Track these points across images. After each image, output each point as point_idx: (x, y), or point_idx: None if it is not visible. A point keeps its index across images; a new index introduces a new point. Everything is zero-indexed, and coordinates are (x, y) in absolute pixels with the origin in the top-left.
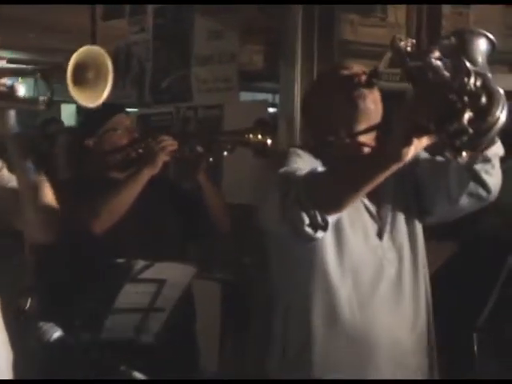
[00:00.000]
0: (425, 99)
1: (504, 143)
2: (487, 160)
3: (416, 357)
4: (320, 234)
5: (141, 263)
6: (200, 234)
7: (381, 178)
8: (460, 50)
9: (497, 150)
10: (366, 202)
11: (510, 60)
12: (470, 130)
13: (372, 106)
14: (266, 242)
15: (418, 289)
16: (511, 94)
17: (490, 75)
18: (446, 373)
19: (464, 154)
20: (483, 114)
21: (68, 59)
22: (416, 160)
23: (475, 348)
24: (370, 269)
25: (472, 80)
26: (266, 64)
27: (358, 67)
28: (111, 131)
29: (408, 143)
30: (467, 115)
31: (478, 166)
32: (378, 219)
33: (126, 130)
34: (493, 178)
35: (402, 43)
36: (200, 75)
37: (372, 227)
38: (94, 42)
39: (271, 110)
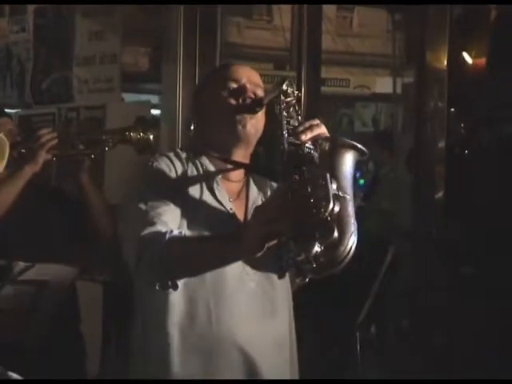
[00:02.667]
0: (286, 211)
1: (383, 148)
2: None
3: (275, 368)
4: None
5: (21, 265)
6: (83, 235)
7: (230, 262)
8: (328, 161)
9: None
10: (234, 214)
11: (391, 63)
12: (314, 265)
13: (252, 130)
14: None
15: (283, 300)
16: (391, 97)
17: (349, 196)
18: (327, 374)
19: (307, 279)
20: (332, 248)
21: None
22: None
23: (358, 346)
24: (230, 281)
25: (330, 207)
26: (151, 66)
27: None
28: None
29: (263, 244)
30: (316, 249)
31: None
32: None
33: (8, 133)
34: None
35: (289, 90)
36: (81, 76)
37: None
38: None
39: (154, 111)
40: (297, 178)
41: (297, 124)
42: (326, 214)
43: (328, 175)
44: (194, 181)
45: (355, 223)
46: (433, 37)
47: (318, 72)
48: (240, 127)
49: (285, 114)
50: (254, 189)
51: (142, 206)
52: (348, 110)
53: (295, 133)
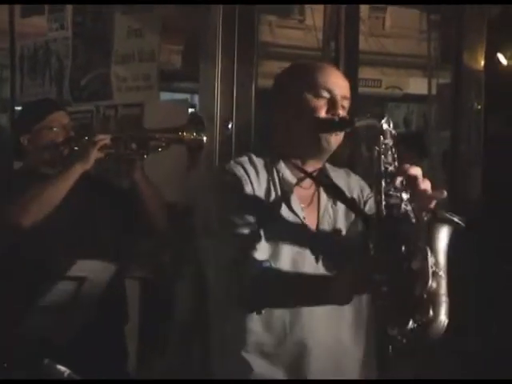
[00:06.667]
0: (382, 269)
1: (412, 149)
2: None
3: (354, 357)
4: None
5: (62, 260)
6: (136, 231)
7: (318, 305)
8: (425, 233)
9: None
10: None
11: (424, 64)
12: (404, 340)
13: (335, 145)
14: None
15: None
16: (425, 98)
17: (443, 273)
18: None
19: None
20: (425, 326)
21: None
22: None
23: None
24: None
25: (428, 285)
26: (185, 64)
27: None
28: (47, 129)
29: (350, 298)
30: (410, 326)
31: None
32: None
33: (62, 129)
34: None
35: (387, 129)
36: (120, 73)
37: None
38: (12, 39)
39: (191, 110)
40: (390, 232)
41: (393, 170)
42: (424, 292)
43: (428, 249)
44: (269, 191)
45: (447, 301)
46: (470, 36)
47: (355, 72)
48: (325, 144)
49: (383, 158)
50: (324, 196)
51: (226, 231)
52: (379, 110)
53: (395, 187)
